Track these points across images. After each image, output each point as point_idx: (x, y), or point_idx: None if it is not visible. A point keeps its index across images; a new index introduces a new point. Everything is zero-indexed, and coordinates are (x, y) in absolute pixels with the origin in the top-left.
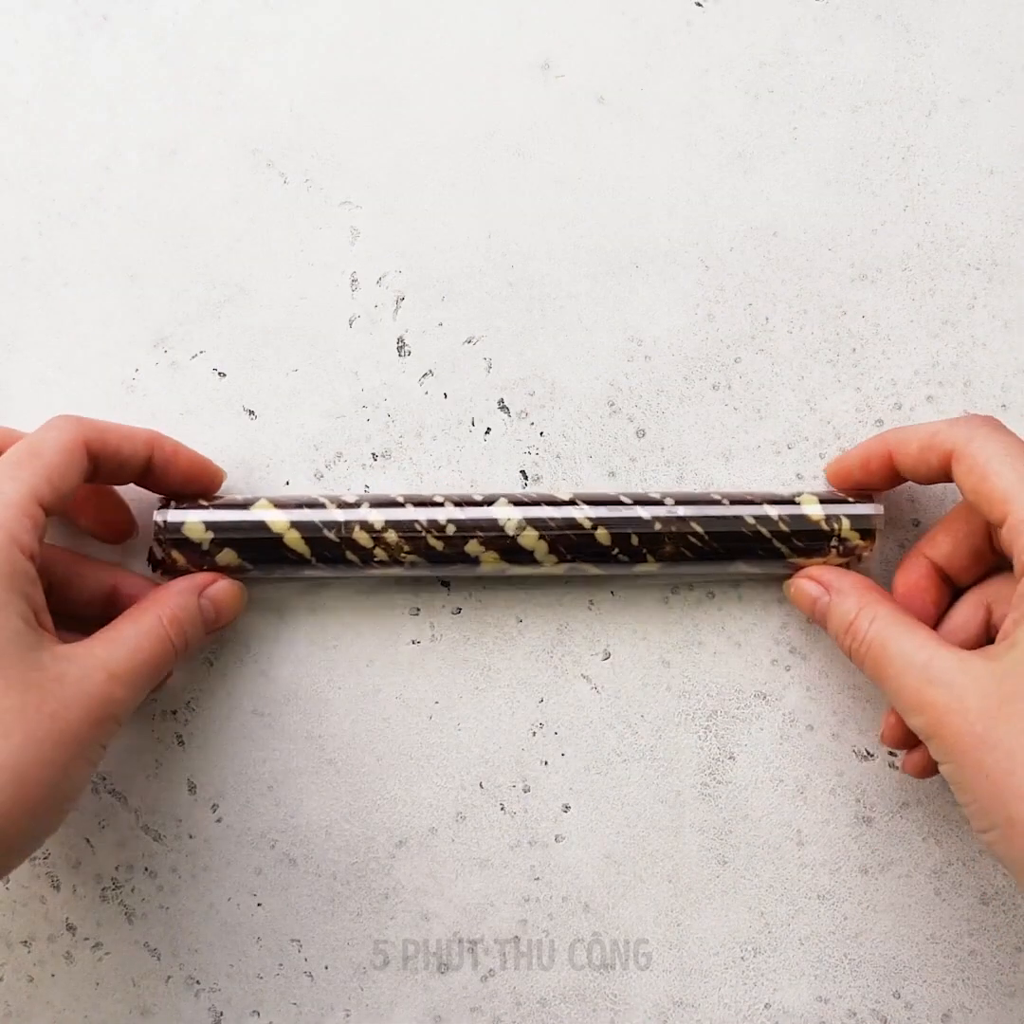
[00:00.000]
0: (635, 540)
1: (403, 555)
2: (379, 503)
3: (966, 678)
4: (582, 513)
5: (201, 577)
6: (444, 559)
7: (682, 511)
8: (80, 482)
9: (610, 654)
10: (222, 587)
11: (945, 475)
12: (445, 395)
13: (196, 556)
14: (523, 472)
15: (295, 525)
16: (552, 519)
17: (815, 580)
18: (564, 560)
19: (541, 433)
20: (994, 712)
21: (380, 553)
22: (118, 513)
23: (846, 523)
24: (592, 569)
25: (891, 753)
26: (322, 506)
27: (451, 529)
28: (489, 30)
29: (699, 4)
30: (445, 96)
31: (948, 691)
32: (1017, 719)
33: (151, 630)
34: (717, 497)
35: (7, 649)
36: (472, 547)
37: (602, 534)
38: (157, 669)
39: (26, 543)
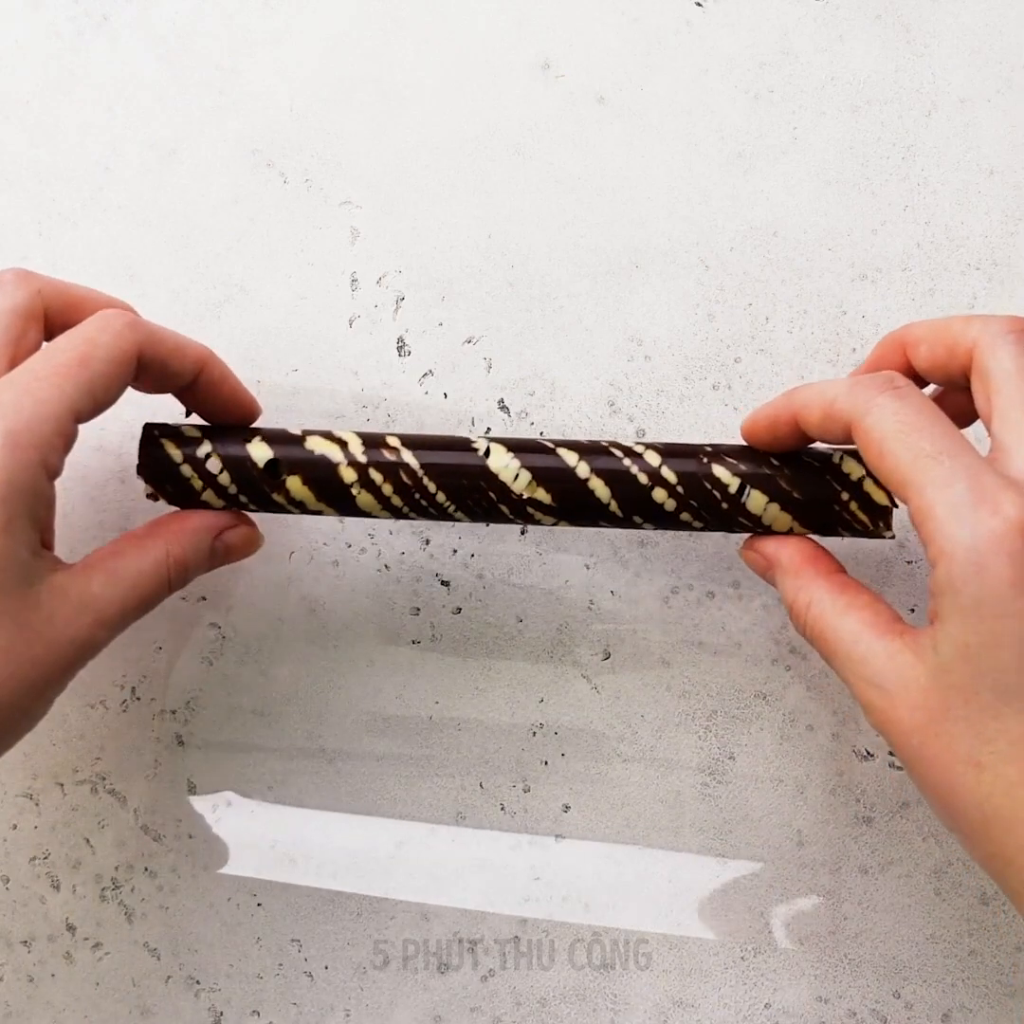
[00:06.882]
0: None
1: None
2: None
3: (897, 682)
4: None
5: (221, 519)
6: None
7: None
8: (122, 393)
9: (610, 654)
10: (241, 533)
11: (851, 441)
12: (445, 395)
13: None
14: None
15: (324, 436)
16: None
17: (758, 553)
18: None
19: (541, 433)
20: (926, 727)
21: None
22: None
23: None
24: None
25: (891, 753)
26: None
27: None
28: (489, 30)
29: (699, 4)
30: (445, 96)
31: (883, 696)
32: (946, 739)
33: (153, 570)
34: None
35: (7, 584)
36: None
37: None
38: (146, 609)
39: (54, 465)
